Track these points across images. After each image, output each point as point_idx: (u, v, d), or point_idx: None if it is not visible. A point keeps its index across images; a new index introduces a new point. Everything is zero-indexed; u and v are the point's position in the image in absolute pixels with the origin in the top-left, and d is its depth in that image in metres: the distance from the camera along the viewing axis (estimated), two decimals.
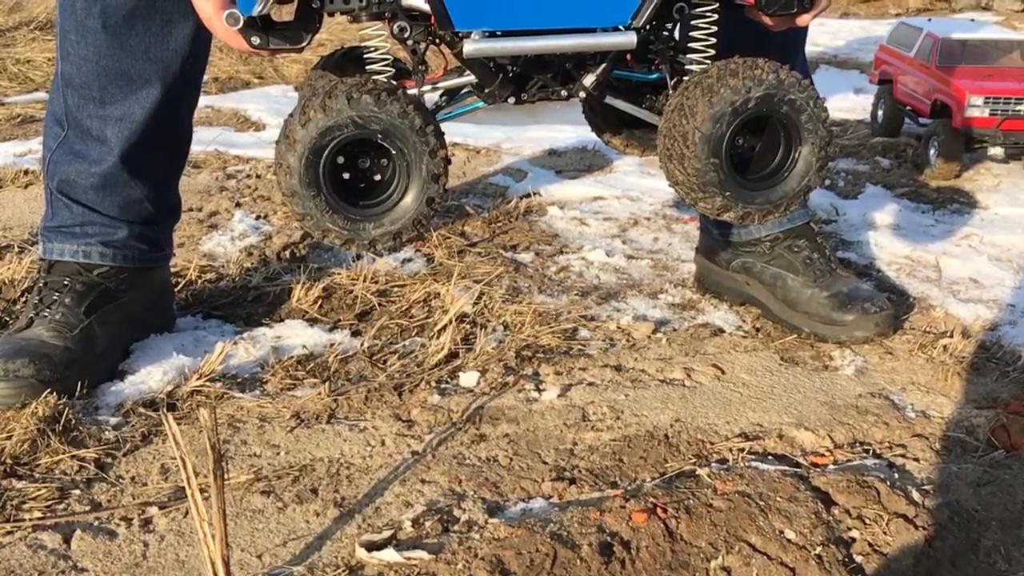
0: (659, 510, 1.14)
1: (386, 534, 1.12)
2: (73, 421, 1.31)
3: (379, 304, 1.71)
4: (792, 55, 1.66)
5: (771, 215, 1.03)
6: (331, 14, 0.98)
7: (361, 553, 1.08)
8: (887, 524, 1.13)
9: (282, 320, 1.64)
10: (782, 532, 1.11)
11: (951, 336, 1.60)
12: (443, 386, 1.45)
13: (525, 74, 1.02)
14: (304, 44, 0.97)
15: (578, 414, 1.38)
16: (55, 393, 1.33)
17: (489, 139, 2.88)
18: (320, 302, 1.70)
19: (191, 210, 2.17)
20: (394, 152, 0.92)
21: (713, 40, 1.04)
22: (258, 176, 2.49)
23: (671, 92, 1.05)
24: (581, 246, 2.01)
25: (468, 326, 1.62)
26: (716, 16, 1.04)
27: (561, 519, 1.13)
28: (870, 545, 1.11)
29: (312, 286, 1.72)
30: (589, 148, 2.75)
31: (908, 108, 2.71)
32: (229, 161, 2.62)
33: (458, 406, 1.39)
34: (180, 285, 1.75)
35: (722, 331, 1.65)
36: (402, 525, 1.13)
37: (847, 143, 2.85)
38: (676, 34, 1.07)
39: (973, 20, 3.24)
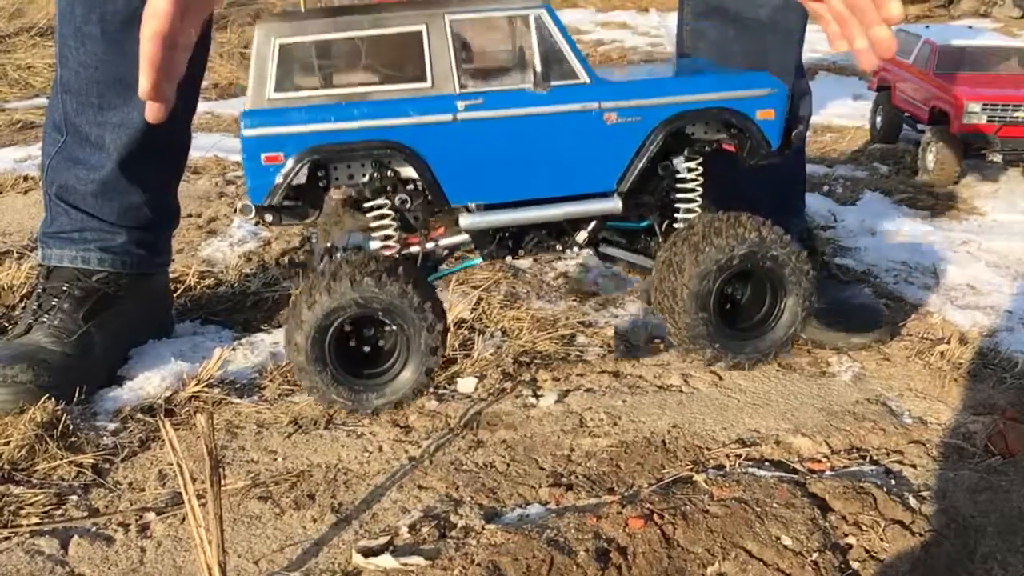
0: (656, 516, 1.14)
1: (383, 540, 1.12)
2: (71, 427, 1.31)
3: None
4: (787, 57, 1.67)
5: (761, 363, 1.08)
6: (337, 188, 1.04)
7: (358, 559, 1.08)
8: (884, 530, 1.13)
9: (280, 326, 1.64)
10: (778, 538, 1.11)
11: (948, 342, 1.61)
12: (441, 392, 1.45)
13: (521, 234, 1.07)
14: (313, 219, 1.04)
15: (575, 420, 1.38)
16: (53, 399, 1.33)
17: None
18: None
19: (190, 216, 2.17)
20: (395, 326, 0.98)
21: (700, 189, 1.09)
22: None
23: (661, 241, 1.10)
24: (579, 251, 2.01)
25: (466, 332, 1.62)
26: (701, 168, 1.08)
27: (558, 525, 1.13)
28: (866, 551, 1.11)
29: None
30: None
31: (906, 114, 2.72)
32: (228, 167, 2.63)
33: (456, 412, 1.39)
34: (179, 291, 1.76)
35: None
36: (399, 531, 1.13)
37: (845, 149, 2.86)
38: (664, 183, 1.11)
39: (971, 27, 3.25)
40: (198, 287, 1.79)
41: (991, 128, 2.37)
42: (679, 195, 1.08)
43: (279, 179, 0.97)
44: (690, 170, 1.07)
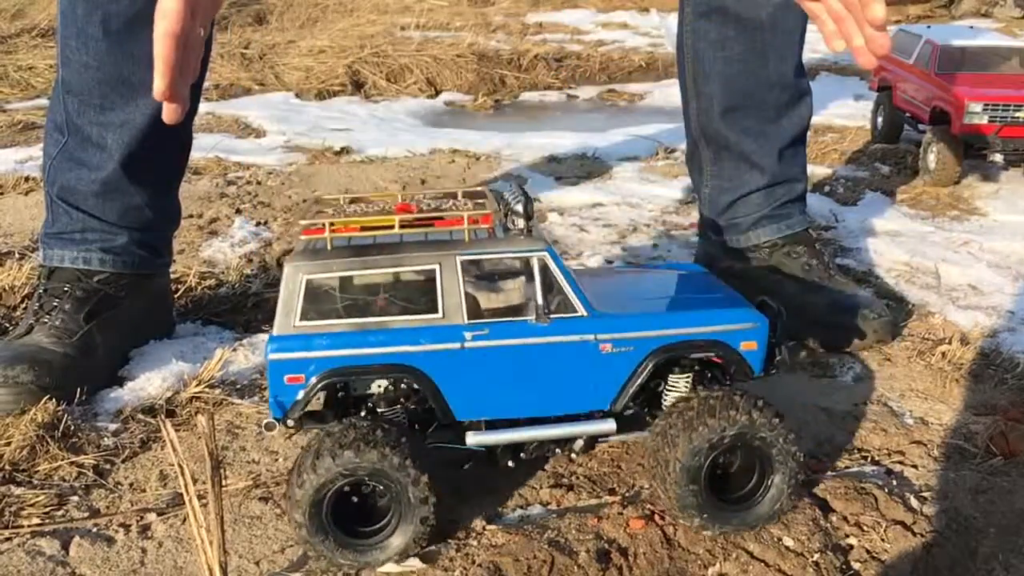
0: (657, 516, 1.15)
1: None
2: (72, 427, 1.31)
3: None
4: (787, 57, 1.67)
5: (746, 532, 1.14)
6: (354, 395, 1.13)
7: None
8: (885, 531, 1.13)
9: None
10: (780, 539, 1.11)
11: (950, 343, 1.60)
12: None
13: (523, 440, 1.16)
14: (333, 424, 1.10)
15: None
16: (54, 399, 1.33)
17: (490, 146, 2.89)
18: None
19: (191, 216, 2.18)
20: (382, 487, 1.05)
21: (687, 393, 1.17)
22: (258, 183, 2.50)
23: (654, 419, 1.18)
24: (580, 252, 2.01)
25: None
26: (689, 382, 1.17)
27: (559, 526, 1.13)
28: (868, 552, 1.11)
29: None
30: (588, 155, 2.75)
31: (908, 115, 2.72)
32: (229, 167, 2.63)
33: None
34: (180, 291, 1.76)
35: None
36: None
37: (846, 149, 2.86)
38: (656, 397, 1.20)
39: (972, 27, 3.24)
40: (199, 288, 1.79)
41: (992, 128, 2.37)
42: (670, 401, 1.18)
43: (299, 396, 1.08)
44: (680, 382, 1.17)
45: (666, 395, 1.18)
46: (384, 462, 1.03)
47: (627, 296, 1.23)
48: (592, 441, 1.18)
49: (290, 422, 1.09)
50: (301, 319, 1.06)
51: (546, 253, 1.09)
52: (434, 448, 1.15)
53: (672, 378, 1.17)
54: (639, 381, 1.13)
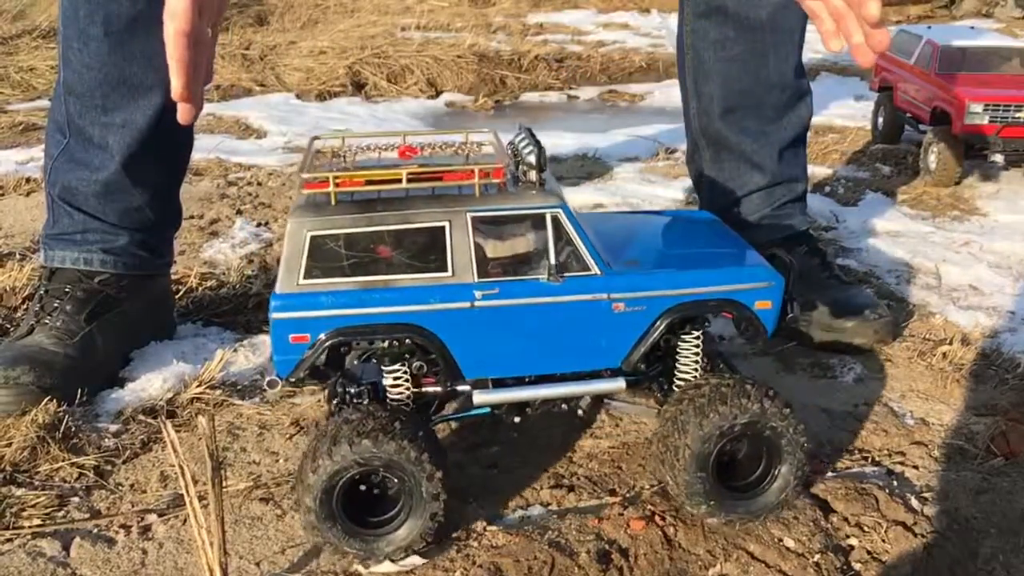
0: (657, 517, 1.14)
1: None
2: (73, 428, 1.31)
3: None
4: (787, 57, 1.67)
5: (751, 523, 1.13)
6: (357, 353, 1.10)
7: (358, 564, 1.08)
8: (886, 531, 1.13)
9: None
10: (780, 540, 1.11)
11: (950, 343, 1.60)
12: None
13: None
14: (332, 380, 1.12)
15: (577, 421, 1.37)
16: (55, 400, 1.33)
17: None
18: None
19: (192, 217, 2.18)
20: (396, 479, 1.04)
21: (699, 352, 1.17)
22: (259, 183, 2.50)
23: (661, 396, 1.18)
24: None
25: None
26: (699, 341, 1.16)
27: (559, 526, 1.13)
28: (868, 553, 1.11)
29: None
30: (589, 155, 2.75)
31: (908, 115, 2.72)
32: (230, 168, 2.63)
33: None
34: (181, 292, 1.76)
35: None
36: None
37: (847, 150, 2.85)
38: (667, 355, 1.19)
39: (973, 27, 3.24)
40: (200, 288, 1.79)
41: (993, 129, 2.37)
42: (681, 357, 1.17)
43: (304, 356, 1.05)
44: (692, 338, 1.16)
45: (678, 353, 1.16)
46: (401, 455, 1.01)
47: (640, 249, 1.20)
48: (599, 399, 1.16)
49: (292, 380, 1.07)
50: (306, 277, 1.03)
51: (560, 210, 1.06)
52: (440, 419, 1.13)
53: (683, 334, 1.15)
54: (651, 340, 1.11)
